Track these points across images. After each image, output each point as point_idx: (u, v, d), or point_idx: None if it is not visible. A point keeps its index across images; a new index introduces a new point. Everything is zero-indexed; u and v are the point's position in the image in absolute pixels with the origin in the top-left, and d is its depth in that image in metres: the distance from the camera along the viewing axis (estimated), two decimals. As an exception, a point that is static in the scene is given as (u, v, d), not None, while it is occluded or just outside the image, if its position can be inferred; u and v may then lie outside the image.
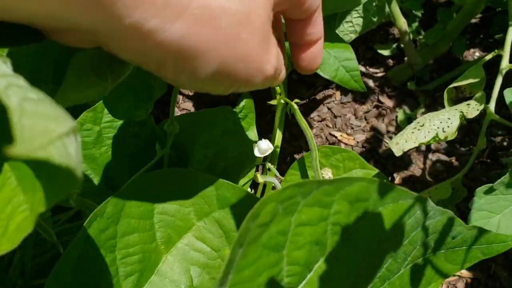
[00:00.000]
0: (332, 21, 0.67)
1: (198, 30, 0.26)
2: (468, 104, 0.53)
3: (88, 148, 0.59)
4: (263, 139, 0.57)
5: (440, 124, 0.51)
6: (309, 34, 0.39)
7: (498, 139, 0.77)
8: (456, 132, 0.52)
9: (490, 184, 0.48)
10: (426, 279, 0.44)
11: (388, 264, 0.39)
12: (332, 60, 0.60)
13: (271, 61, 0.33)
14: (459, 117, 0.52)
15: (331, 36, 0.63)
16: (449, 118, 0.52)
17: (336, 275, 0.33)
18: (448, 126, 0.51)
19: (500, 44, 0.86)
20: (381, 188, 0.30)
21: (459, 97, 0.62)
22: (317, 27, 0.39)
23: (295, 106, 0.57)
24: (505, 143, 0.76)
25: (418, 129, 0.51)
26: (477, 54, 0.88)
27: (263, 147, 0.56)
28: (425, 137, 0.50)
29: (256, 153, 0.56)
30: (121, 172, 0.64)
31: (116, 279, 0.40)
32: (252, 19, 0.29)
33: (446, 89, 0.58)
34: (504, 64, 0.59)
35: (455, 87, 0.60)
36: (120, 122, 0.60)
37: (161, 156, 0.57)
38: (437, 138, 0.51)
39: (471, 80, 0.56)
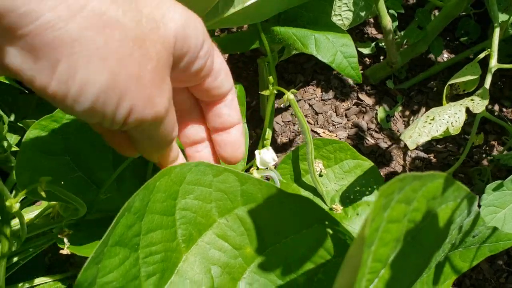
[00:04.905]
0: (326, 7, 0.65)
1: (91, 35, 0.26)
2: (472, 100, 0.54)
3: (69, 139, 0.54)
4: (266, 148, 0.51)
5: (449, 118, 0.51)
6: (226, 115, 0.39)
7: (473, 137, 0.80)
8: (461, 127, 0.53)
9: (500, 181, 0.49)
10: (443, 276, 0.44)
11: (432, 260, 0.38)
12: (329, 44, 0.58)
13: (163, 99, 0.32)
14: (464, 112, 0.53)
15: (327, 24, 0.62)
16: (455, 113, 0.52)
17: (403, 272, 0.31)
18: (456, 121, 0.51)
19: (466, 46, 0.90)
20: (450, 186, 0.29)
21: (452, 94, 0.63)
22: (233, 109, 0.40)
23: (291, 96, 0.55)
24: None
25: (429, 123, 0.51)
26: (445, 55, 0.91)
27: (266, 158, 0.50)
28: (437, 130, 0.50)
29: (258, 164, 0.51)
30: (104, 164, 0.59)
31: (137, 281, 0.36)
32: (147, 45, 0.29)
33: (446, 86, 0.58)
34: (493, 63, 0.61)
35: (449, 84, 0.61)
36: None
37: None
38: (447, 132, 0.51)
39: (469, 77, 0.57)
